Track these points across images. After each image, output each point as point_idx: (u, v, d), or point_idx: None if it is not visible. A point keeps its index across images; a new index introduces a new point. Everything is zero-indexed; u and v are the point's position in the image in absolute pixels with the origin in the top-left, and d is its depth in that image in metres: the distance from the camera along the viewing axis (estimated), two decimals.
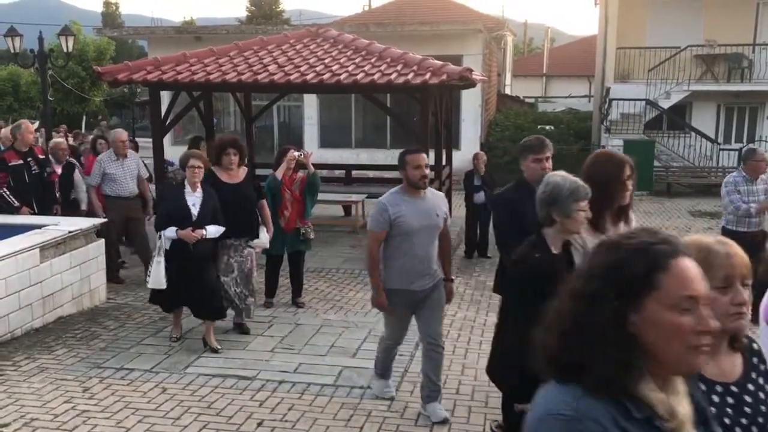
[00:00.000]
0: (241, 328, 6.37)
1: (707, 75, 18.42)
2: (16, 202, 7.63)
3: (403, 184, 4.60)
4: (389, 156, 17.85)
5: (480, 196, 9.70)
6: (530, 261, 3.27)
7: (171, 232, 5.61)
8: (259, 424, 4.58)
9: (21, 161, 7.67)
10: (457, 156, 13.98)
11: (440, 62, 8.69)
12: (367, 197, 10.96)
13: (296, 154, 6.96)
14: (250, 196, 6.21)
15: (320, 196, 7.86)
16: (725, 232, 6.66)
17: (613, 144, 17.49)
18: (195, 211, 5.64)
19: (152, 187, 8.91)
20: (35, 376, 5.35)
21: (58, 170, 8.35)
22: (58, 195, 8.19)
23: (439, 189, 10.76)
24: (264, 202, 6.50)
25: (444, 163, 11.32)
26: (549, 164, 4.22)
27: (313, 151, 10.14)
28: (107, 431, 4.46)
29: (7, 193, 7.60)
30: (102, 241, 7.49)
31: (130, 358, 5.75)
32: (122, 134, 8.17)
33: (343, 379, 5.32)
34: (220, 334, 6.17)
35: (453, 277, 4.94)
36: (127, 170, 8.03)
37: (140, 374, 5.41)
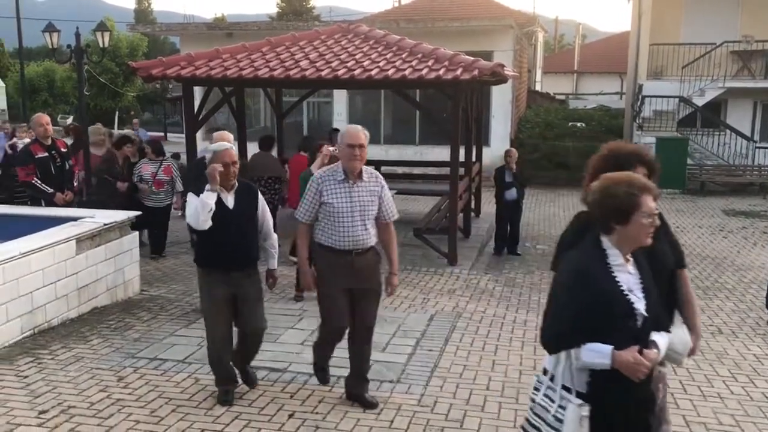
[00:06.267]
0: None
1: (743, 71, 18.07)
2: (49, 189, 7.81)
3: None
4: (418, 152, 17.92)
5: (512, 193, 9.66)
6: None
7: (602, 355, 2.61)
8: (291, 416, 4.62)
9: (46, 153, 7.84)
10: (486, 152, 13.94)
11: (472, 58, 8.66)
12: (396, 193, 10.98)
13: (331, 149, 6.99)
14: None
15: None
16: None
17: (646, 141, 17.28)
18: (641, 306, 2.69)
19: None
20: (71, 365, 5.45)
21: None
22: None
23: (469, 186, 10.81)
24: (686, 272, 3.38)
25: (474, 159, 11.30)
26: None
27: None
28: (142, 420, 4.53)
29: (39, 182, 7.79)
30: (136, 233, 7.60)
31: (164, 349, 5.83)
32: (357, 133, 4.45)
33: (373, 373, 5.30)
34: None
35: None
36: (357, 204, 4.48)
37: (173, 365, 5.48)
